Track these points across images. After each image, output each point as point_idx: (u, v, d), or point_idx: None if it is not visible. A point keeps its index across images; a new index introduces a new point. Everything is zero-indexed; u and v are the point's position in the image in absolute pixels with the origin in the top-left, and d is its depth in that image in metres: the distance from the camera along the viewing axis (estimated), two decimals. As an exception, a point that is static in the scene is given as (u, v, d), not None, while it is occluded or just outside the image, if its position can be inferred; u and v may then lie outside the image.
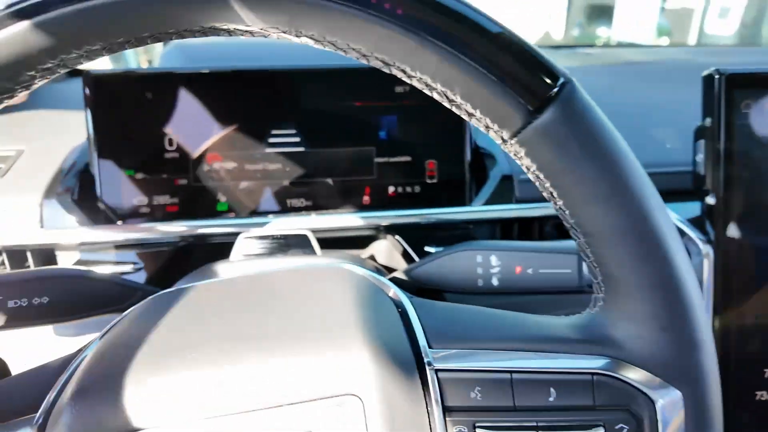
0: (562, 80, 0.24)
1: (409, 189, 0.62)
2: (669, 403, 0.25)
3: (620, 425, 0.24)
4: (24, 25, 0.23)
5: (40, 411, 0.26)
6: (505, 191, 0.61)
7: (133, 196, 0.59)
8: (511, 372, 0.25)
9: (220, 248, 0.55)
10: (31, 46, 0.23)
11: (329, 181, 0.61)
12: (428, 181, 0.62)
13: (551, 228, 0.61)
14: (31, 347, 0.48)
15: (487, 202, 0.60)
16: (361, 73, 0.60)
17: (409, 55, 0.23)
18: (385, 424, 0.23)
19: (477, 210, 0.59)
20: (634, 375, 0.25)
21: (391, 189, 0.62)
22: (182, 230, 0.55)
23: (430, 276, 0.49)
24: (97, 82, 0.57)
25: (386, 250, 0.60)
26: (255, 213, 0.60)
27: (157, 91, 0.58)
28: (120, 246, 0.56)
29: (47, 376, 0.28)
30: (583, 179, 0.24)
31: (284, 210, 0.60)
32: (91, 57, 0.25)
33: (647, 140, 0.68)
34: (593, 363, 0.25)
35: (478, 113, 0.24)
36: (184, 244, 0.57)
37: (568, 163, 0.24)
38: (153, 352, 0.26)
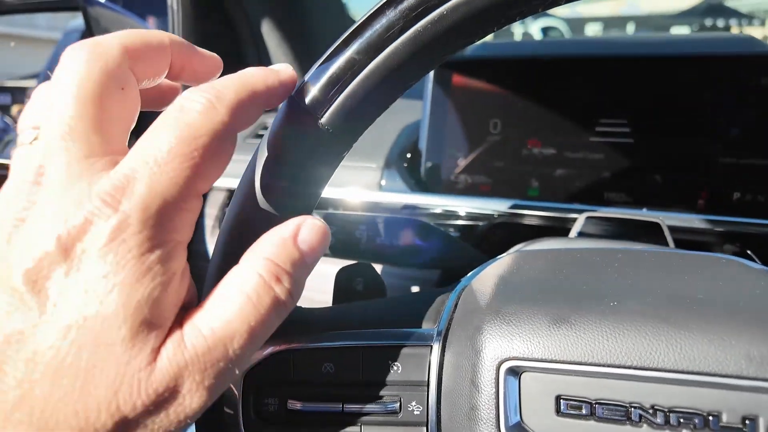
0: None
1: (761, 198, 0.52)
2: None
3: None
4: None
5: (440, 323, 0.27)
6: None
7: (450, 173, 0.63)
8: None
9: (527, 231, 0.55)
10: None
11: (657, 177, 0.55)
12: (790, 191, 0.51)
13: None
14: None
15: None
16: (715, 61, 0.53)
17: None
18: None
19: None
20: None
21: (735, 195, 0.53)
22: (500, 208, 0.57)
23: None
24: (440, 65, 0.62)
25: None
26: (565, 203, 0.58)
27: (491, 76, 0.61)
28: (435, 215, 0.60)
29: (434, 300, 0.30)
30: None
31: (600, 203, 0.57)
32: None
33: None
34: None
35: None
36: (491, 223, 0.59)
37: None
38: (566, 295, 0.25)
